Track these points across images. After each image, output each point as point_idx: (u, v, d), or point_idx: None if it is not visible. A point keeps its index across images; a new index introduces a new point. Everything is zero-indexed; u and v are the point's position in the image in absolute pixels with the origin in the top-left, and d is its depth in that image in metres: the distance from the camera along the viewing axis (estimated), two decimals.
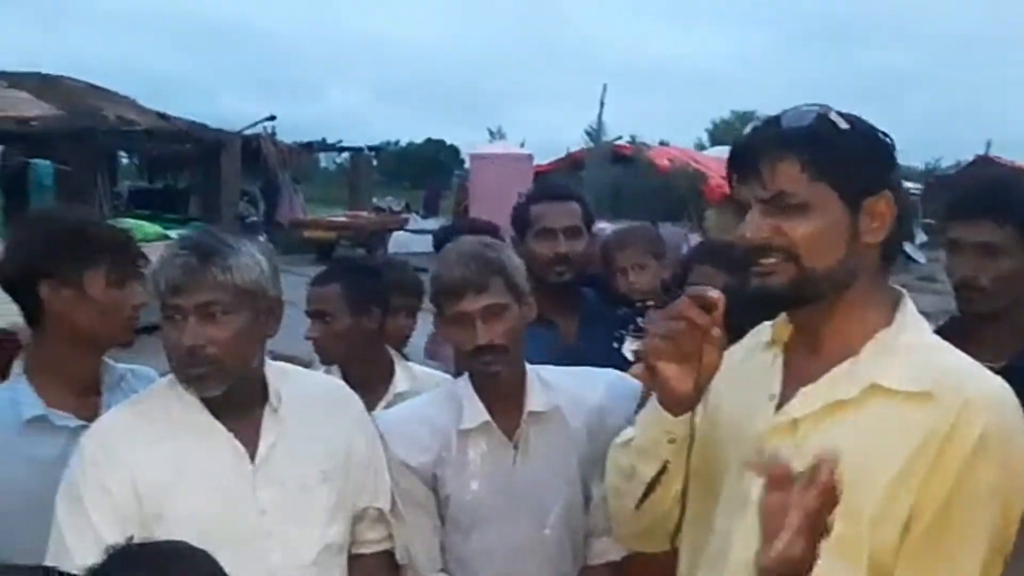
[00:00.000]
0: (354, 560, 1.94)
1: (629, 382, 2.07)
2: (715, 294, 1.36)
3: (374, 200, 24.98)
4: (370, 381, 2.45)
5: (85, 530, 1.68)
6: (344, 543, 1.91)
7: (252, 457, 1.79)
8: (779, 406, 1.42)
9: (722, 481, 1.48)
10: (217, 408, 1.78)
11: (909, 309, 1.41)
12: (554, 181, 3.50)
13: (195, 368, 1.72)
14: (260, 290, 1.76)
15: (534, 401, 1.99)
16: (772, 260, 1.38)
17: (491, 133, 22.51)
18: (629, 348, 2.78)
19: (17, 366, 1.99)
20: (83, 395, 1.97)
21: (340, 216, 21.72)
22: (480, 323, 1.90)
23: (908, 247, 21.12)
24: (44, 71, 20.36)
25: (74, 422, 1.91)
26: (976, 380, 1.33)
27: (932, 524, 1.29)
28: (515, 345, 1.96)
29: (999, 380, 1.35)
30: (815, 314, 1.41)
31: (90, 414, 1.91)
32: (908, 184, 22.20)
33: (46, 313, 1.92)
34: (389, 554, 1.99)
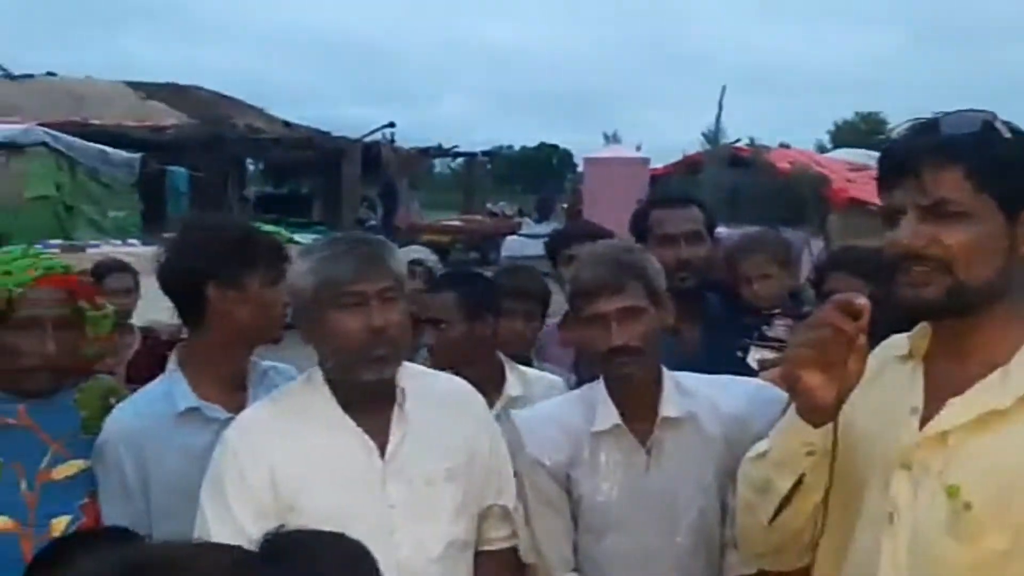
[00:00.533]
0: (480, 557, 1.97)
1: (772, 391, 2.03)
2: (862, 301, 1.33)
3: (487, 204, 25.25)
4: (482, 386, 2.47)
5: (226, 520, 1.76)
6: (470, 540, 1.95)
7: (382, 453, 1.84)
8: (924, 419, 1.38)
9: (860, 496, 1.44)
10: (349, 405, 1.85)
11: None
12: (674, 186, 3.44)
13: (379, 348, 1.80)
14: (405, 282, 1.91)
15: (669, 407, 1.98)
16: (925, 269, 1.34)
17: (606, 137, 22.47)
18: (754, 357, 2.73)
19: (172, 361, 2.12)
20: (231, 390, 2.09)
21: (454, 220, 22.05)
22: (615, 325, 1.91)
23: None
24: (178, 81, 21.46)
25: (223, 414, 2.01)
26: None
27: None
28: (650, 348, 1.95)
29: None
30: (962, 325, 1.38)
31: (237, 407, 2.01)
32: None
33: (210, 312, 2.04)
34: (514, 551, 2.02)
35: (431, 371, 2.13)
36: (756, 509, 1.50)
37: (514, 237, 20.07)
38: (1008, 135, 1.32)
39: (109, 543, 1.44)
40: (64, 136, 12.16)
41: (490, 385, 2.52)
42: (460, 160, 27.71)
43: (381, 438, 1.85)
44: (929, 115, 1.38)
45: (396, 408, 1.87)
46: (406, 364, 1.97)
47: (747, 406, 1.99)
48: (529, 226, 21.81)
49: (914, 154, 1.34)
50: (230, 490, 1.78)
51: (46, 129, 12.10)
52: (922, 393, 1.41)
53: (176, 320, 2.16)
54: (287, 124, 21.26)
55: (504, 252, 18.06)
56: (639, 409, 1.96)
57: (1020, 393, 1.30)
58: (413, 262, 3.12)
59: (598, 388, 2.03)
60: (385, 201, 21.97)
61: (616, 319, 1.91)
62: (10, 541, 1.95)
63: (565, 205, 23.04)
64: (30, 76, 18.45)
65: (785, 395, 1.93)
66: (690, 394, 2.00)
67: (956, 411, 1.35)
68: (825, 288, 2.25)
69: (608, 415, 1.98)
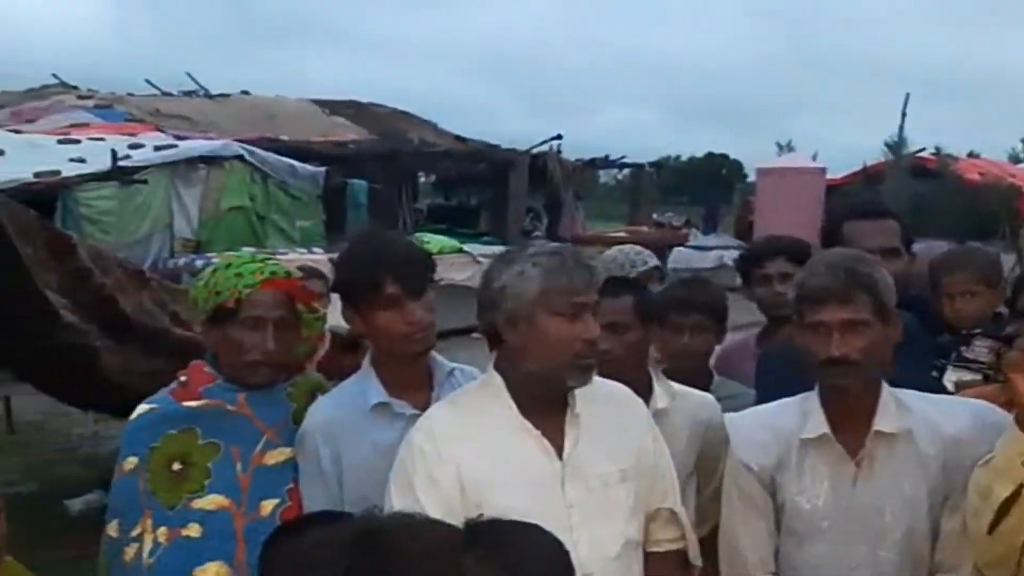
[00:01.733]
0: (649, 558, 2.00)
1: (997, 415, 1.98)
2: None
3: (654, 215, 25.02)
4: None
5: None
6: (641, 540, 1.98)
7: (559, 455, 1.90)
8: None
9: None
10: (526, 408, 1.91)
11: None
12: (867, 197, 3.30)
13: (590, 358, 1.89)
14: None
15: (884, 422, 1.96)
16: None
17: (779, 146, 21.81)
18: (951, 379, 2.60)
19: (366, 360, 2.26)
20: (416, 388, 2.20)
21: (620, 231, 21.98)
22: (837, 335, 1.91)
23: None
24: (358, 99, 22.47)
25: (411, 410, 2.13)
26: None
27: None
28: (871, 363, 1.94)
29: None
30: None
31: (423, 405, 2.11)
32: None
33: (365, 322, 2.16)
34: (682, 554, 2.03)
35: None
36: (980, 515, 1.52)
37: (681, 248, 19.81)
38: None
39: (329, 521, 1.56)
40: (257, 151, 12.98)
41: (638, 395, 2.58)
42: (626, 171, 27.60)
43: (556, 440, 1.91)
44: None
45: (568, 411, 1.92)
46: None
47: (970, 429, 1.94)
48: (697, 237, 21.47)
49: None
50: (419, 487, 1.86)
51: (241, 144, 12.96)
52: None
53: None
54: (458, 138, 21.86)
55: (671, 264, 17.85)
56: (851, 421, 1.95)
57: None
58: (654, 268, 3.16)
59: (813, 396, 2.03)
60: (550, 212, 22.19)
61: (839, 329, 1.91)
62: (225, 518, 2.14)
63: (738, 215, 22.53)
64: (226, 95, 19.78)
65: (1011, 418, 1.91)
66: (908, 411, 1.98)
67: None
68: (1020, 305, 2.14)
69: (817, 424, 1.99)
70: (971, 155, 21.45)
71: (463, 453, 1.89)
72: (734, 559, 2.09)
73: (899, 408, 1.97)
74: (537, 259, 1.87)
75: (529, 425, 1.90)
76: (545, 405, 1.92)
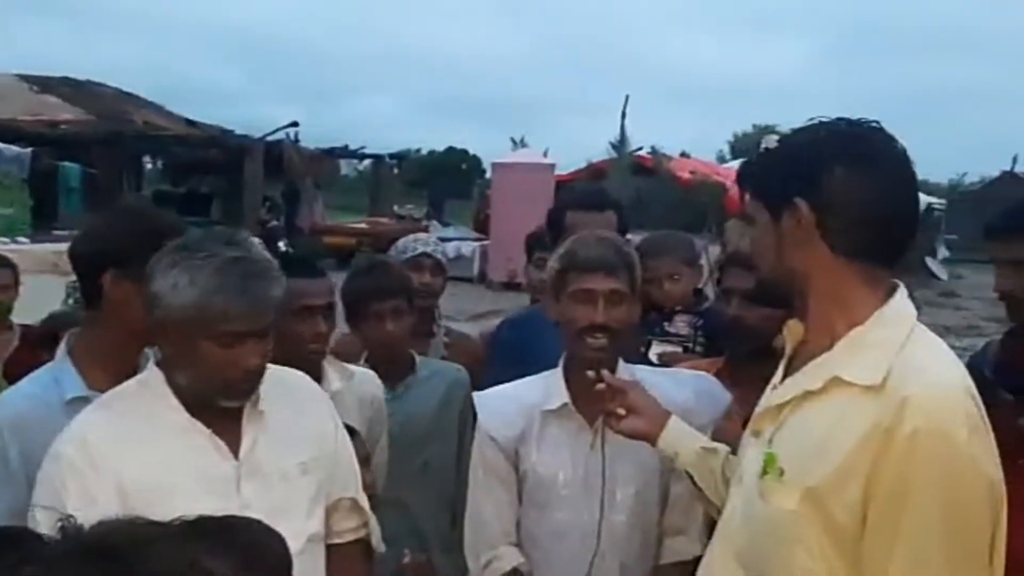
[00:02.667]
0: (331, 550, 1.94)
1: (716, 387, 2.16)
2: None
3: (395, 207, 25.11)
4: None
5: None
6: (323, 533, 1.92)
7: (236, 453, 1.79)
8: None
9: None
10: (195, 408, 1.78)
11: (893, 306, 1.47)
12: (590, 188, 3.46)
13: (246, 384, 1.76)
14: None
15: None
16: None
17: (513, 142, 22.57)
18: (655, 351, 2.83)
19: (61, 349, 2.06)
20: (121, 380, 2.02)
21: (360, 223, 21.84)
22: (602, 302, 2.00)
23: (930, 263, 20.98)
24: (73, 76, 20.68)
25: None
26: (923, 377, 1.37)
27: (881, 516, 1.36)
28: (624, 334, 2.06)
29: (950, 379, 1.39)
30: (800, 312, 1.56)
31: None
32: (932, 200, 22.13)
33: (106, 301, 1.97)
34: (365, 543, 2.01)
35: (275, 366, 2.05)
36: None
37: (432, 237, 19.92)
38: (773, 145, 1.55)
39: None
40: None
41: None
42: (368, 162, 27.48)
43: (233, 438, 1.80)
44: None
45: (248, 407, 1.82)
46: None
47: (694, 399, 2.09)
48: (437, 229, 21.81)
49: None
50: (74, 507, 1.64)
51: None
52: (782, 372, 1.59)
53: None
54: (190, 122, 20.74)
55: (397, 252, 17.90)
56: (590, 391, 1.96)
57: (829, 376, 1.43)
58: (421, 255, 3.06)
59: (557, 371, 2.13)
60: (288, 202, 21.63)
61: (605, 298, 2.01)
62: None
63: (476, 209, 23.10)
64: None
65: (728, 395, 2.15)
66: (641, 382, 2.04)
67: (787, 389, 1.52)
68: (724, 285, 2.39)
69: (559, 395, 2.08)
70: (683, 155, 23.38)
71: (124, 462, 1.72)
72: (478, 529, 2.13)
73: (631, 378, 2.05)
74: (199, 272, 1.68)
75: (200, 425, 1.77)
76: (218, 403, 1.80)
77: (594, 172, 19.27)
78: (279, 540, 1.31)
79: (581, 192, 2.99)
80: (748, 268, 2.33)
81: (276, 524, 1.76)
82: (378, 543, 2.04)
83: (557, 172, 17.43)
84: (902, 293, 1.50)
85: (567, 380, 2.10)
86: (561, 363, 2.13)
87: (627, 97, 18.67)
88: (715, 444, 1.83)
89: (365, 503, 2.01)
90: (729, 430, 2.04)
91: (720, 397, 2.14)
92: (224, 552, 1.09)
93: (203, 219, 17.64)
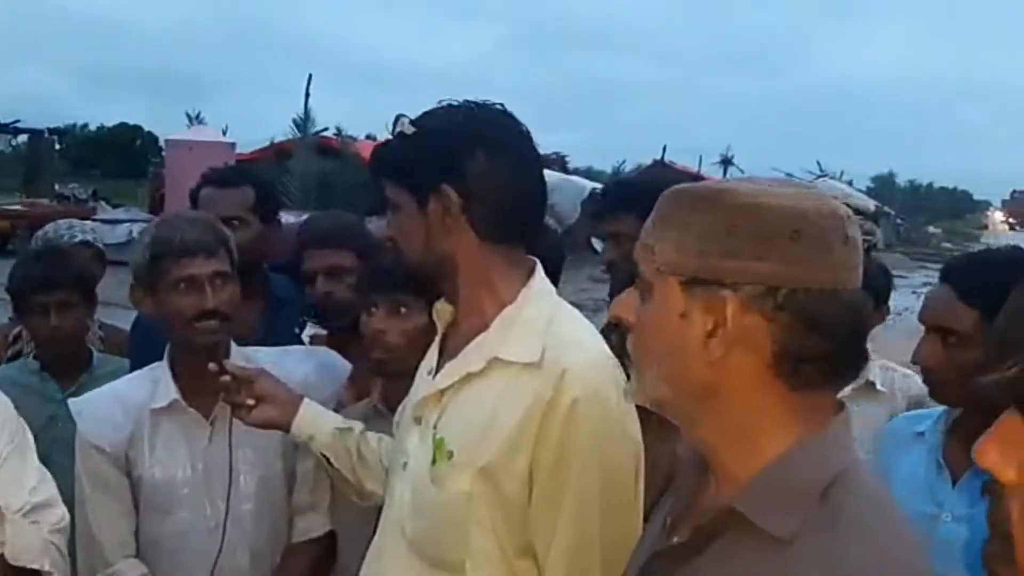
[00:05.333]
0: None
1: (338, 360, 2.15)
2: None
3: (56, 187, 22.88)
4: None
5: None
6: None
7: None
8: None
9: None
10: None
11: (535, 285, 1.53)
12: (231, 166, 3.32)
13: None
14: None
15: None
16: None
17: (189, 118, 21.44)
18: (307, 334, 2.87)
19: None
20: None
21: (15, 204, 19.68)
22: (208, 287, 1.89)
23: (595, 242, 22.72)
24: None
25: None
26: (576, 350, 1.45)
27: (548, 481, 1.42)
28: (236, 315, 1.96)
29: (597, 348, 1.49)
30: (451, 294, 1.59)
31: None
32: (596, 185, 23.88)
33: None
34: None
35: None
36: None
37: (87, 222, 18.40)
38: (411, 131, 1.51)
39: None
40: None
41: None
42: (23, 138, 24.74)
43: None
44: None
45: None
46: None
47: (315, 373, 2.06)
48: (106, 211, 20.14)
49: None
50: None
51: None
52: (437, 356, 1.60)
53: None
54: None
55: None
56: (204, 383, 1.85)
57: (489, 357, 1.46)
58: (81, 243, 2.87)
59: (163, 365, 1.99)
60: None
61: (209, 282, 1.90)
62: None
63: (150, 188, 21.61)
64: None
65: (348, 365, 2.14)
66: (253, 363, 1.97)
67: (447, 373, 1.52)
68: (306, 265, 2.46)
69: (168, 391, 1.95)
70: (369, 137, 23.46)
71: None
72: (91, 547, 1.97)
73: (249, 362, 1.97)
74: None
75: None
76: None
77: (277, 151, 18.82)
78: None
79: (213, 171, 2.89)
80: (329, 247, 2.42)
81: None
82: (14, 557, 1.84)
83: (238, 151, 16.81)
84: (540, 271, 1.55)
85: (175, 373, 1.97)
86: (166, 356, 2.00)
87: (310, 76, 18.44)
88: (349, 423, 1.82)
89: (10, 513, 1.82)
90: (348, 398, 2.13)
91: (340, 369, 2.15)
92: None
93: None
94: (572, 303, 1.60)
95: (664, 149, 28.06)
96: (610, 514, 1.45)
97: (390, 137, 1.55)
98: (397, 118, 1.53)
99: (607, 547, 1.44)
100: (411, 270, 1.60)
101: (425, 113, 1.52)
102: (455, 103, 1.53)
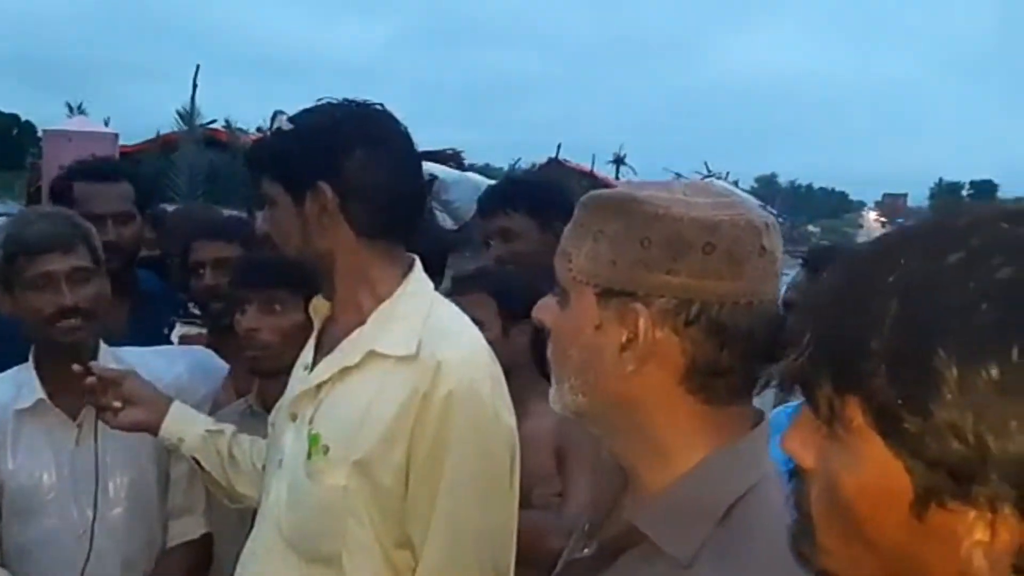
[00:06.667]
0: None
1: (215, 361, 2.12)
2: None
3: None
4: None
5: None
6: None
7: None
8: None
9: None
10: None
11: (414, 278, 1.56)
12: (104, 159, 3.19)
13: None
14: None
15: None
16: None
17: (70, 108, 20.52)
18: (178, 333, 2.80)
19: None
20: None
21: None
22: (66, 285, 1.83)
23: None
24: None
25: None
26: (451, 343, 1.49)
27: (424, 473, 1.45)
28: (101, 313, 1.90)
29: (472, 341, 1.53)
30: (328, 290, 1.59)
31: None
32: (492, 183, 23.97)
33: None
34: None
35: None
36: None
37: None
38: (288, 127, 1.53)
39: None
40: None
41: None
42: None
43: None
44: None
45: None
46: None
47: (188, 374, 2.03)
48: None
49: None
50: None
51: None
52: (313, 351, 1.60)
53: None
54: None
55: None
56: (71, 383, 1.79)
57: (365, 351, 1.48)
58: None
59: (28, 365, 1.94)
60: None
61: (67, 279, 1.84)
62: None
63: (28, 180, 20.59)
64: None
65: (224, 365, 2.11)
66: (124, 364, 1.95)
67: (324, 367, 1.53)
68: (193, 257, 2.42)
69: (32, 391, 1.90)
70: (259, 130, 22.91)
71: None
72: None
73: (118, 363, 1.95)
74: None
75: None
76: None
77: (163, 144, 18.21)
78: None
79: (88, 163, 2.79)
80: (218, 239, 2.39)
81: None
82: None
83: (122, 143, 16.17)
84: (418, 267, 1.57)
85: (41, 375, 1.92)
86: (31, 357, 1.96)
87: (198, 66, 17.81)
88: (220, 425, 1.80)
89: None
90: (227, 399, 2.10)
91: (216, 369, 2.13)
92: None
93: None
94: None
95: (559, 147, 28.29)
96: (486, 504, 1.49)
97: (268, 133, 1.55)
98: (275, 114, 1.53)
99: (483, 535, 1.48)
100: (287, 266, 1.61)
101: (304, 111, 1.53)
102: (335, 101, 1.53)
